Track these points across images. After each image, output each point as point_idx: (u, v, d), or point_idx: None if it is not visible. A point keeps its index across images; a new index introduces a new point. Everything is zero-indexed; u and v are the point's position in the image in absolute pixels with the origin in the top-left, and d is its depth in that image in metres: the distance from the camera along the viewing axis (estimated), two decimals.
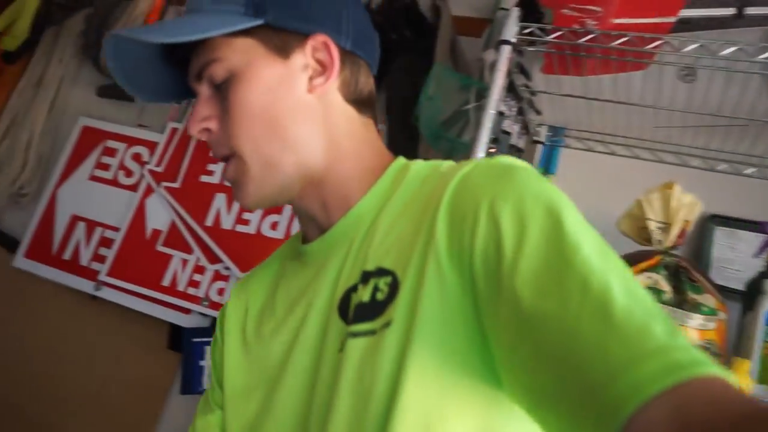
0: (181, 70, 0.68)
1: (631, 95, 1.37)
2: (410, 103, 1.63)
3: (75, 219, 1.95)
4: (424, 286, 0.52)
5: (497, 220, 0.49)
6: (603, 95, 1.40)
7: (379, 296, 0.56)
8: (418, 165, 0.66)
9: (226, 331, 0.74)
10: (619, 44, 1.16)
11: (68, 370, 1.85)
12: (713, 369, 0.36)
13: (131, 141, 1.99)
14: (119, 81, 0.67)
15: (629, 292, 0.41)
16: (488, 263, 0.48)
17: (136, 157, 1.96)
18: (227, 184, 0.65)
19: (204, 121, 0.63)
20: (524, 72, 1.39)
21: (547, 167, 1.66)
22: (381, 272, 0.57)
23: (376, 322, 0.54)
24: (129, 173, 1.95)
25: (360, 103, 0.68)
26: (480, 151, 1.18)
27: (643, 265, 1.15)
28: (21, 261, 1.95)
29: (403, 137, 1.56)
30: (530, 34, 1.23)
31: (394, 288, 0.55)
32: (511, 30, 1.21)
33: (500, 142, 1.33)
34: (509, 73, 1.36)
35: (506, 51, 1.21)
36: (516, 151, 1.40)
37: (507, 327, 0.45)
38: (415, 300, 0.52)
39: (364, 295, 0.57)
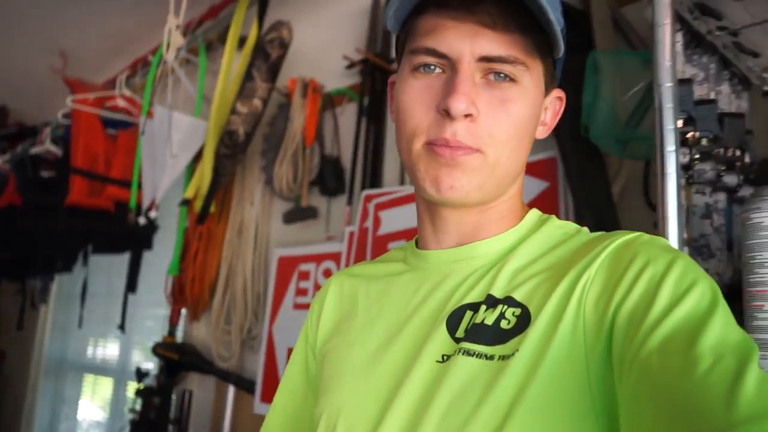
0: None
1: None
2: (576, 115, 1.30)
3: (290, 352, 1.92)
4: (560, 328, 0.53)
5: (659, 284, 0.50)
6: None
7: (504, 324, 0.57)
8: (560, 221, 0.68)
9: (322, 318, 0.76)
10: None
11: None
12: None
13: (319, 258, 1.94)
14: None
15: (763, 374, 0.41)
16: (635, 314, 0.49)
17: (327, 273, 1.89)
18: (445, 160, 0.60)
19: (473, 106, 0.58)
20: (709, 11, 0.98)
21: None
22: (511, 302, 0.58)
23: (496, 348, 0.55)
24: None
25: None
26: (669, 144, 0.81)
27: None
28: (258, 406, 1.97)
29: (578, 159, 1.22)
30: None
31: (523, 322, 0.56)
32: None
33: (699, 119, 0.92)
34: (684, 24, 0.97)
35: None
36: (733, 118, 0.97)
37: (632, 372, 0.46)
38: (547, 339, 0.53)
39: (487, 317, 0.58)
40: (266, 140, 2.29)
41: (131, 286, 2.84)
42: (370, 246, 1.74)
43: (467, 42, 0.58)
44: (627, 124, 1.24)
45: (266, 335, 2.03)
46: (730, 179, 0.98)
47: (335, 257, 1.88)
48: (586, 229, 0.66)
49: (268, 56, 1.93)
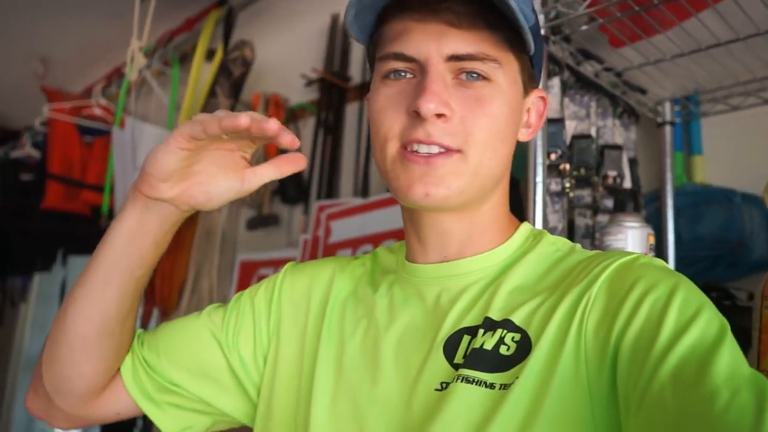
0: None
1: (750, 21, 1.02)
2: None
3: None
4: (562, 357, 0.51)
5: (663, 311, 0.48)
6: (707, 39, 1.06)
7: (504, 350, 0.54)
8: (553, 237, 0.66)
9: (284, 306, 0.73)
10: None
11: None
12: None
13: (276, 263, 2.07)
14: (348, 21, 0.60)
15: None
16: (639, 343, 0.47)
17: None
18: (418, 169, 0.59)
19: (445, 106, 0.57)
20: (591, 56, 1.13)
21: (690, 149, 1.31)
22: (509, 326, 0.56)
23: (497, 376, 0.53)
24: None
25: None
26: (538, 175, 0.95)
27: None
28: None
29: None
30: (557, 17, 0.98)
31: (524, 348, 0.54)
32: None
33: (576, 152, 1.07)
34: (569, 67, 1.12)
35: None
36: (611, 149, 1.11)
37: (643, 406, 0.44)
38: (550, 370, 0.51)
39: (486, 342, 0.55)
40: None
41: None
42: (321, 253, 1.87)
43: (433, 42, 0.56)
44: None
45: None
46: (610, 203, 1.12)
47: None
48: (578, 245, 0.65)
49: (231, 74, 2.06)
